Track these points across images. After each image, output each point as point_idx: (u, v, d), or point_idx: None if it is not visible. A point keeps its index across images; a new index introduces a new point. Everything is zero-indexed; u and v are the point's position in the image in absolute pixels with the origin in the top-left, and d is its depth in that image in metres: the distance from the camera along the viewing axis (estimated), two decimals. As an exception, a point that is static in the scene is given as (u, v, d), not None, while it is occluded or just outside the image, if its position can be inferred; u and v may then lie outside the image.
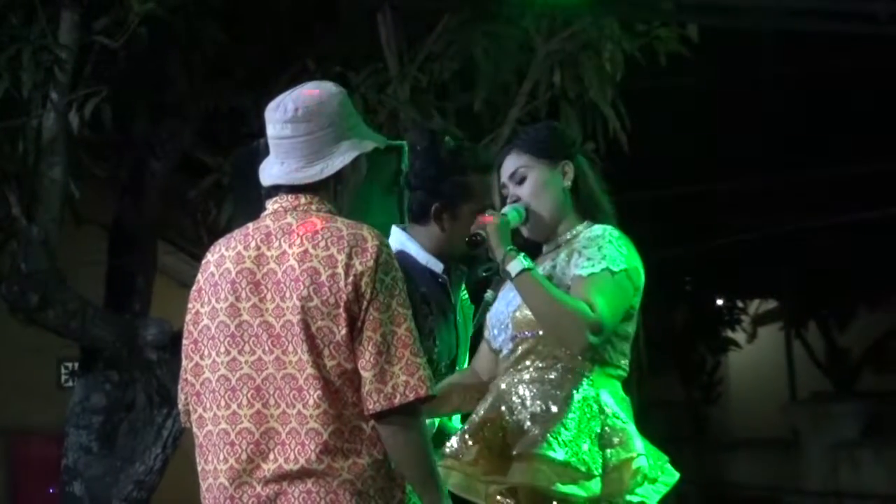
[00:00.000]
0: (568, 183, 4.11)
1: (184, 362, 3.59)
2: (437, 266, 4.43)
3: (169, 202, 9.18)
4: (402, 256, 4.39)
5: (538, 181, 4.10)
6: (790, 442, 18.08)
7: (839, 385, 19.23)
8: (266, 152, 3.67)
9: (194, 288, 3.61)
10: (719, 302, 20.16)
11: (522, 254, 3.92)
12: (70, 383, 12.93)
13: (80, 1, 7.53)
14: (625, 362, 4.00)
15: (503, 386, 3.99)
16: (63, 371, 14.28)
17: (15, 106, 7.54)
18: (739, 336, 20.23)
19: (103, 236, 9.08)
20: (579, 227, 4.08)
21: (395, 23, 8.11)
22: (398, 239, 4.46)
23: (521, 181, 4.12)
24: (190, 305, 3.59)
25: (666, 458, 3.95)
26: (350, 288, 3.38)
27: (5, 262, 7.72)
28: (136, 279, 8.83)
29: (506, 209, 4.10)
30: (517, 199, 4.11)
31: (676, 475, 3.94)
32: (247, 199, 5.34)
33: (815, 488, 17.02)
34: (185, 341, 3.59)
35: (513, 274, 3.89)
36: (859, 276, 17.70)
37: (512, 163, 4.14)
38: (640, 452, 3.85)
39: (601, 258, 3.90)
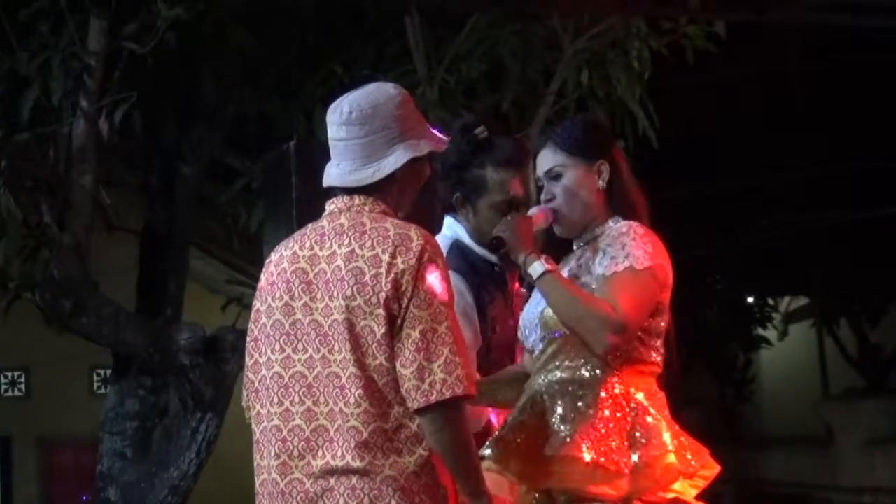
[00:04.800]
0: (602, 183, 4.06)
1: (246, 359, 3.67)
2: (490, 255, 4.38)
3: (199, 207, 9.20)
4: (459, 246, 4.38)
5: (572, 183, 4.05)
6: (823, 439, 18.00)
7: (872, 381, 19.14)
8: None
9: (258, 287, 3.69)
10: (750, 300, 20.10)
11: (544, 256, 3.91)
12: (103, 390, 12.99)
13: (109, 8, 7.55)
14: (658, 357, 3.97)
15: (535, 386, 3.98)
16: (95, 378, 14.35)
17: (45, 114, 7.57)
18: (771, 334, 20.15)
19: (134, 242, 9.11)
20: (608, 224, 4.05)
21: (423, 25, 8.11)
22: (452, 228, 4.44)
23: (556, 178, 4.07)
24: (253, 304, 3.68)
25: (705, 450, 3.93)
26: (389, 286, 3.42)
27: (38, 269, 7.75)
28: (168, 284, 8.86)
29: (532, 210, 4.09)
30: (552, 197, 4.06)
31: (716, 467, 3.92)
32: (277, 204, 5.35)
33: (850, 485, 16.94)
34: (247, 339, 3.67)
35: (534, 277, 3.89)
36: (890, 272, 17.62)
37: (547, 159, 4.09)
38: (670, 449, 3.83)
39: (625, 256, 3.88)
